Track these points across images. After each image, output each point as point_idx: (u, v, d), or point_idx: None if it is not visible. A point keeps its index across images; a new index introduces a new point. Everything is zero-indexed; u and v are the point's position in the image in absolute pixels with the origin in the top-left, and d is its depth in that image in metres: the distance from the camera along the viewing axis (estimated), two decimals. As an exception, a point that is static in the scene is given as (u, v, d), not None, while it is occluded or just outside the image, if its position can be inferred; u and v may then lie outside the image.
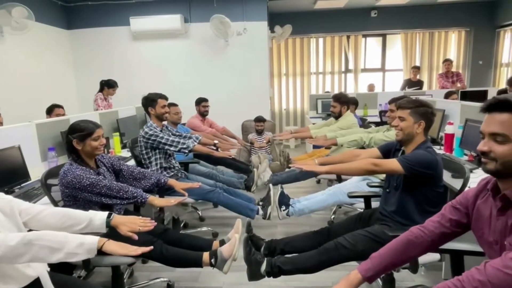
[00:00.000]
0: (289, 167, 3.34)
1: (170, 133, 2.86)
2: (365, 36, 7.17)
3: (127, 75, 5.58)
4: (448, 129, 2.76)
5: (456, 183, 1.86)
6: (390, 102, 2.63)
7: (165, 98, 2.79)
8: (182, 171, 2.93)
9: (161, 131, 2.76)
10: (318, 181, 4.19)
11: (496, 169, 0.96)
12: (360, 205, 2.45)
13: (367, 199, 2.09)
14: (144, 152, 2.74)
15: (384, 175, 2.10)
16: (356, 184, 2.55)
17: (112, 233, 1.48)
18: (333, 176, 3.02)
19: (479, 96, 4.84)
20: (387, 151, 1.99)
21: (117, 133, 3.43)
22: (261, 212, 2.59)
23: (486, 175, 1.05)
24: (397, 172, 1.71)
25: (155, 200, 1.94)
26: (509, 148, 0.93)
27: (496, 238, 1.01)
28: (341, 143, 2.91)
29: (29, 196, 2.01)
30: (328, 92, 6.81)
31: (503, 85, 6.52)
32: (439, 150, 2.85)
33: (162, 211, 2.75)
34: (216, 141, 2.98)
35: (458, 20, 6.81)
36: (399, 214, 1.76)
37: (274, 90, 7.25)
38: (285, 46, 7.14)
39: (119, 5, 5.52)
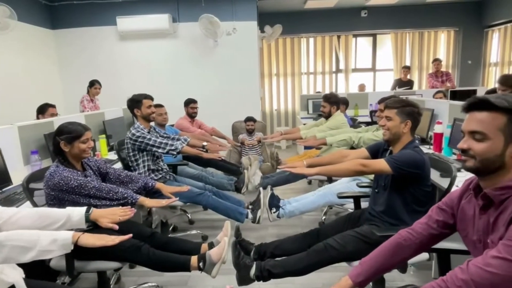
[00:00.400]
0: (278, 167, 3.37)
1: (158, 135, 2.84)
2: (355, 36, 7.24)
3: (114, 75, 5.53)
4: (437, 129, 2.80)
5: (445, 182, 1.88)
6: (379, 101, 2.66)
7: (151, 98, 2.77)
8: (171, 173, 2.92)
9: (148, 132, 2.74)
10: (309, 182, 4.21)
11: (475, 166, 0.98)
12: (350, 205, 2.46)
13: (356, 199, 2.11)
14: (131, 154, 2.72)
15: (373, 175, 2.12)
16: (346, 184, 2.57)
17: (93, 229, 1.47)
18: (324, 177, 3.05)
19: (469, 95, 4.82)
20: (376, 151, 2.01)
21: (104, 136, 3.39)
22: (250, 215, 2.59)
23: (471, 175, 1.07)
24: (385, 172, 1.73)
25: (146, 200, 1.93)
26: (487, 146, 0.95)
27: (479, 237, 1.03)
28: (331, 143, 2.93)
29: (10, 201, 1.98)
30: (319, 92, 6.85)
31: (491, 84, 6.67)
32: (428, 149, 2.89)
33: (150, 214, 2.74)
34: (205, 143, 2.97)
35: (447, 20, 6.94)
36: (387, 214, 1.78)
37: (265, 91, 7.27)
38: (276, 46, 7.17)
39: (105, 4, 5.47)
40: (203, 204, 2.70)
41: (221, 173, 3.69)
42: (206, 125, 4.46)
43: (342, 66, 7.28)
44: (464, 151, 1.00)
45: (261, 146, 4.70)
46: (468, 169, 1.01)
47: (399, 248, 1.20)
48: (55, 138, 1.85)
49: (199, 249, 1.97)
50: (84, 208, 1.49)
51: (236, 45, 5.54)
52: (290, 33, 6.94)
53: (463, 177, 1.72)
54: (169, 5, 5.45)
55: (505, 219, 0.92)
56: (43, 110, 3.49)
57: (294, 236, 2.02)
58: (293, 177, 3.17)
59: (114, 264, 1.76)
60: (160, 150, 2.69)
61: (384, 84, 7.27)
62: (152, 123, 2.93)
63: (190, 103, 4.25)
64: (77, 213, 1.46)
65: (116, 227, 1.48)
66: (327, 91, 6.95)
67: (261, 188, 2.69)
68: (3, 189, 2.18)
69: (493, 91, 4.52)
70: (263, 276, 1.75)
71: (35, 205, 1.81)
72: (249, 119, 4.62)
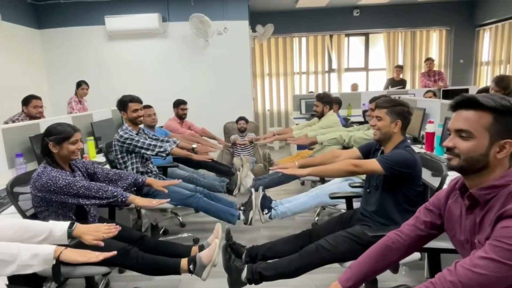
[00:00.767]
0: (270, 169, 3.37)
1: (147, 137, 2.83)
2: (347, 35, 7.29)
3: (103, 76, 5.48)
4: (429, 128, 2.83)
5: (436, 182, 1.91)
6: (370, 101, 2.69)
7: (138, 101, 2.73)
8: (160, 175, 2.91)
9: (137, 134, 2.73)
10: (302, 183, 4.23)
11: (459, 165, 0.99)
12: (343, 206, 2.48)
13: (348, 199, 2.12)
14: (119, 156, 2.70)
15: (365, 175, 2.14)
16: (338, 185, 2.59)
17: (77, 247, 1.43)
18: (317, 178, 3.06)
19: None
20: (367, 151, 2.03)
21: (92, 138, 3.36)
22: (242, 217, 2.59)
23: (457, 175, 1.08)
24: (377, 172, 1.74)
25: (136, 199, 1.91)
26: (472, 145, 0.96)
27: (467, 237, 1.04)
28: (321, 141, 2.95)
29: (-6, 206, 1.94)
30: (311, 92, 6.88)
31: (483, 83, 6.77)
32: (420, 149, 2.93)
33: (140, 217, 2.72)
34: (194, 145, 2.96)
35: (439, 19, 7.03)
36: (379, 214, 1.79)
37: (257, 91, 7.28)
38: (268, 45, 7.18)
39: (93, 3, 5.42)
40: (194, 206, 2.69)
41: (213, 175, 3.68)
42: (196, 126, 4.45)
43: (334, 65, 7.33)
44: (449, 149, 1.01)
45: (254, 146, 4.71)
46: (453, 168, 1.02)
47: (387, 250, 1.21)
48: (43, 139, 1.83)
49: (190, 252, 1.96)
50: (67, 223, 1.45)
51: (227, 45, 5.53)
52: (282, 33, 6.96)
53: (453, 177, 1.76)
54: (159, 4, 5.43)
55: (490, 219, 0.93)
56: (27, 101, 3.47)
57: (286, 238, 2.02)
58: (285, 178, 3.18)
59: (102, 269, 1.74)
60: (148, 152, 2.68)
61: (377, 84, 7.34)
62: (141, 125, 2.91)
63: (180, 104, 4.23)
64: (59, 228, 1.42)
65: (101, 244, 1.43)
66: (320, 91, 6.97)
67: (253, 190, 2.69)
68: (-13, 194, 2.14)
69: (484, 90, 4.59)
70: (255, 279, 1.75)
71: (20, 209, 1.79)
72: (241, 118, 4.63)
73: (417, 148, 2.84)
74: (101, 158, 3.20)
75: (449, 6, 6.89)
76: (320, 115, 3.46)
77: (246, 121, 4.77)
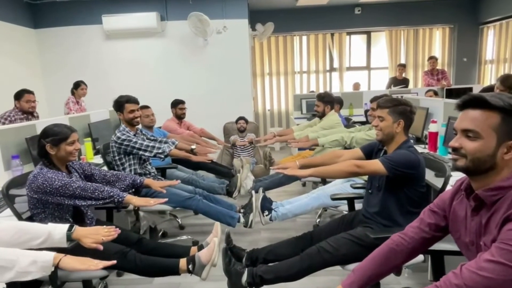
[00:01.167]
0: (271, 168, 3.37)
1: (145, 137, 2.83)
2: (349, 33, 7.29)
3: (100, 76, 5.48)
4: (432, 128, 2.83)
5: (439, 182, 1.90)
6: (372, 100, 2.69)
7: (134, 102, 2.73)
8: (159, 177, 2.91)
9: (134, 135, 2.73)
10: (304, 184, 4.23)
11: (465, 166, 0.98)
12: (345, 207, 2.47)
13: (350, 201, 2.12)
14: (117, 158, 2.70)
15: (367, 176, 2.14)
16: (340, 186, 2.59)
17: (75, 249, 1.45)
18: (318, 179, 3.06)
19: (464, 93, 4.90)
20: (370, 151, 2.03)
21: (89, 139, 3.36)
22: (242, 220, 2.59)
23: (463, 175, 1.07)
24: (380, 173, 1.74)
25: (133, 199, 1.91)
26: (479, 145, 0.96)
27: (472, 239, 1.03)
28: (322, 144, 2.95)
29: (-10, 209, 1.94)
30: (313, 91, 6.88)
31: (487, 82, 6.76)
32: (423, 149, 2.93)
33: (138, 219, 2.72)
34: (193, 146, 2.96)
35: (442, 16, 7.03)
36: (381, 215, 1.79)
37: (257, 91, 7.28)
38: (268, 44, 7.18)
39: (91, 2, 5.43)
40: (193, 208, 2.69)
41: (213, 176, 3.68)
42: (194, 126, 4.45)
43: (336, 64, 7.33)
44: (455, 150, 1.01)
45: (254, 147, 4.71)
46: (459, 169, 1.01)
47: (392, 253, 1.20)
48: (40, 140, 1.83)
49: (189, 253, 1.96)
50: (66, 226, 1.45)
51: (226, 44, 5.53)
52: (282, 31, 6.96)
53: (457, 177, 1.76)
54: (157, 2, 5.43)
55: (497, 220, 0.93)
56: (19, 96, 3.46)
57: (287, 240, 2.02)
58: (286, 179, 3.18)
59: (100, 272, 1.73)
60: (147, 154, 2.68)
61: (379, 83, 7.33)
62: (139, 126, 2.91)
63: (178, 104, 4.23)
64: (58, 231, 1.42)
65: (101, 247, 1.43)
66: (321, 90, 6.99)
67: (253, 191, 2.69)
68: (-18, 196, 2.14)
69: (489, 88, 4.59)
70: (255, 282, 1.75)
71: (16, 212, 1.79)
72: (240, 118, 4.64)
73: (420, 148, 2.83)
74: (98, 159, 3.20)
75: (452, 3, 6.89)
76: (321, 115, 3.46)
77: (246, 121, 4.77)
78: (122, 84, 5.40)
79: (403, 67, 6.45)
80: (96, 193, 1.85)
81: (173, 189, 2.52)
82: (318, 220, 3.21)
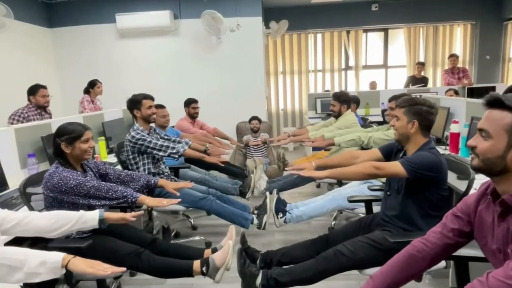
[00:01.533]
0: (285, 169, 3.35)
1: (159, 137, 2.86)
2: (366, 31, 7.20)
3: (114, 75, 5.57)
4: (453, 128, 2.77)
5: (462, 185, 1.86)
6: (390, 99, 2.65)
7: (151, 98, 2.79)
8: (172, 176, 2.93)
9: (148, 134, 2.76)
10: (318, 185, 4.20)
11: (478, 165, 0.99)
12: (361, 209, 2.45)
13: (368, 203, 2.09)
14: (131, 157, 2.73)
15: (386, 178, 2.11)
16: (357, 187, 2.56)
17: (89, 248, 1.58)
18: (333, 180, 3.03)
19: (487, 92, 4.80)
20: (389, 152, 1.99)
21: (103, 138, 3.42)
22: (256, 221, 2.59)
23: (487, 179, 1.05)
24: (400, 176, 1.71)
25: (146, 199, 1.95)
26: (489, 145, 0.95)
27: (499, 246, 1.01)
28: (339, 143, 2.92)
29: (7, 206, 1.99)
30: (327, 90, 6.82)
31: (511, 81, 6.58)
32: (444, 150, 2.87)
33: (151, 219, 2.75)
34: (207, 146, 2.97)
35: (463, 12, 6.87)
36: (401, 219, 1.76)
37: (271, 90, 7.27)
38: (282, 42, 7.16)
39: (104, 1, 5.52)
40: (206, 209, 2.70)
41: (225, 176, 3.69)
42: (208, 126, 4.47)
43: (352, 63, 7.25)
44: (472, 149, 1.01)
45: (267, 147, 4.70)
46: (473, 168, 1.02)
47: (412, 259, 1.18)
48: (55, 139, 1.88)
49: (202, 255, 1.97)
50: (97, 212, 1.59)
51: (240, 42, 5.54)
52: (296, 29, 6.93)
53: (481, 180, 1.71)
54: (170, 1, 5.49)
55: None
56: (35, 91, 3.51)
57: (302, 243, 2.01)
58: (301, 181, 3.16)
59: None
60: (161, 153, 2.70)
61: (397, 82, 7.23)
62: (153, 124, 2.94)
63: (191, 103, 4.26)
64: (91, 213, 1.57)
65: (133, 219, 1.64)
66: (336, 90, 6.93)
67: (267, 193, 2.69)
68: (0, 194, 2.21)
69: (513, 88, 4.46)
70: (270, 285, 1.75)
71: (32, 210, 1.83)
72: (254, 118, 4.64)
73: (440, 149, 2.77)
74: (112, 158, 3.26)
75: (475, -2, 6.73)
76: (337, 115, 3.43)
77: (259, 121, 4.76)
78: (135, 83, 5.48)
79: (422, 65, 6.34)
80: (110, 193, 1.88)
81: (187, 189, 2.53)
82: (333, 222, 3.18)
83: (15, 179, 2.31)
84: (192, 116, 4.29)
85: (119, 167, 2.87)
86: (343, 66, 7.31)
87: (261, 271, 1.79)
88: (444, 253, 1.17)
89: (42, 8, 5.47)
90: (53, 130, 2.42)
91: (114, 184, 1.98)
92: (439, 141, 3.13)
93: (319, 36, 7.22)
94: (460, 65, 6.21)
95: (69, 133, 1.86)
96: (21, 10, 4.76)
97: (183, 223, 3.44)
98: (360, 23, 7.01)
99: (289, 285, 1.75)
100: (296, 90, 7.32)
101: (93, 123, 3.57)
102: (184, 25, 5.57)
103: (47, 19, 5.56)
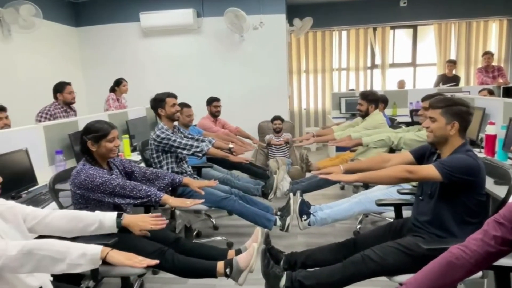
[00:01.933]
0: (309, 170, 3.32)
1: (183, 136, 2.89)
2: (393, 28, 7.04)
3: (138, 73, 5.69)
4: (489, 130, 2.67)
5: (500, 190, 1.79)
6: (423, 99, 2.57)
7: (174, 96, 2.84)
8: (195, 175, 2.96)
9: (172, 133, 2.80)
10: (342, 187, 4.14)
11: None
12: (389, 214, 2.40)
13: (397, 207, 2.04)
14: (154, 155, 2.78)
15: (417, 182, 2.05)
16: (385, 191, 2.50)
17: (119, 241, 1.55)
18: (360, 183, 2.97)
19: (524, 92, 4.67)
20: (421, 155, 1.93)
21: (127, 136, 3.50)
22: (279, 222, 2.58)
23: None
24: (434, 179, 1.65)
25: (170, 199, 1.99)
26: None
27: None
28: (367, 143, 2.86)
29: (36, 202, 2.07)
30: (352, 90, 6.72)
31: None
32: (479, 153, 2.76)
33: (173, 218, 2.79)
34: (231, 146, 2.99)
35: (499, 7, 6.59)
36: (434, 225, 1.70)
37: (293, 88, 7.23)
38: (305, 40, 7.10)
39: (129, 0, 5.65)
40: (228, 209, 2.72)
41: (247, 177, 3.69)
42: (230, 125, 4.49)
43: (378, 61, 7.11)
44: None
45: (290, 147, 4.67)
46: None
47: (450, 267, 1.13)
48: (82, 137, 1.94)
49: (226, 256, 1.98)
50: (115, 214, 1.57)
51: (263, 40, 5.55)
52: (321, 26, 6.86)
53: (522, 185, 1.63)
54: (193, -1, 5.56)
55: None
56: (62, 88, 3.59)
57: (327, 246, 1.99)
58: (324, 183, 3.10)
59: (138, 270, 1.79)
60: (185, 152, 2.74)
61: (426, 80, 7.03)
62: (176, 123, 2.99)
63: (213, 102, 4.29)
64: (108, 218, 1.55)
65: (148, 234, 1.59)
66: (361, 88, 6.83)
67: (291, 194, 2.67)
68: (30, 189, 2.30)
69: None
70: (294, 287, 1.73)
71: (60, 206, 1.90)
72: (276, 117, 4.62)
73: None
74: (135, 156, 3.33)
75: (512, -7, 6.46)
76: (365, 115, 3.37)
77: (282, 120, 4.74)
78: (158, 81, 5.58)
79: (453, 63, 6.14)
80: (134, 192, 1.93)
81: (209, 189, 2.56)
82: (358, 226, 3.12)
83: (43, 175, 2.40)
84: (214, 115, 4.32)
85: (143, 165, 2.93)
86: (368, 64, 7.18)
87: (285, 272, 1.78)
88: (484, 262, 1.13)
89: (69, 7, 5.66)
90: (80, 127, 2.51)
91: (139, 183, 2.02)
92: (473, 144, 3.01)
93: (344, 33, 7.11)
94: (495, 63, 5.96)
95: (96, 132, 1.92)
96: (49, 9, 4.93)
97: (205, 223, 3.47)
98: (387, 19, 6.86)
99: (314, 288, 1.73)
100: (320, 89, 7.25)
101: (118, 121, 3.66)
102: (207, 23, 5.62)
103: (73, 19, 5.75)
